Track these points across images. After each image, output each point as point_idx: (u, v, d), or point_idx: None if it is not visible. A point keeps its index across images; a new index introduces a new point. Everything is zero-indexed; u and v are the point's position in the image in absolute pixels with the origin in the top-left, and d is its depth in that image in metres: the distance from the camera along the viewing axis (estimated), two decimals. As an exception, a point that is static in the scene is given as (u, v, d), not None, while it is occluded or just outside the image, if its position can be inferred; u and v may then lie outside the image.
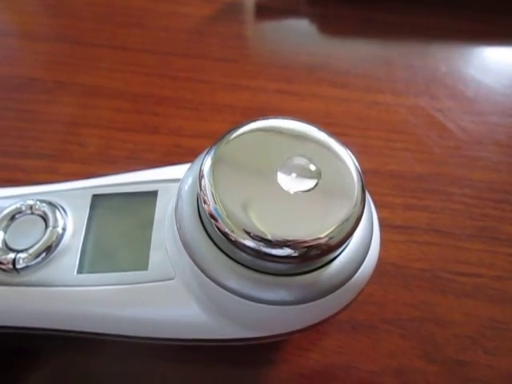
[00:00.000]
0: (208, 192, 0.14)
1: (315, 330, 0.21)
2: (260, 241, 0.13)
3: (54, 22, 0.33)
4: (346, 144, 0.15)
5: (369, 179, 0.26)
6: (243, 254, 0.13)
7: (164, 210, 0.18)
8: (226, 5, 0.34)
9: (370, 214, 0.16)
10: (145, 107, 0.28)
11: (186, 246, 0.15)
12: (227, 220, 0.13)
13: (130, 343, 0.19)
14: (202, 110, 0.28)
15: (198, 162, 0.16)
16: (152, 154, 0.26)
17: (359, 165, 0.15)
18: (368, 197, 0.17)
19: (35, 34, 0.32)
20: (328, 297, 0.15)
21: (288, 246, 0.13)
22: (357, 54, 0.32)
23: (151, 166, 0.20)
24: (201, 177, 0.14)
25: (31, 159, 0.26)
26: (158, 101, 0.29)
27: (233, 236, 0.13)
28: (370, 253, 0.16)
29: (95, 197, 0.19)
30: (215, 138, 0.15)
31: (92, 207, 0.18)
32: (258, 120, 0.15)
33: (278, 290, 0.14)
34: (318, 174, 0.14)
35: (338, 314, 0.17)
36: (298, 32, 0.34)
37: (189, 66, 0.31)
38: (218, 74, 0.30)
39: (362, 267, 0.15)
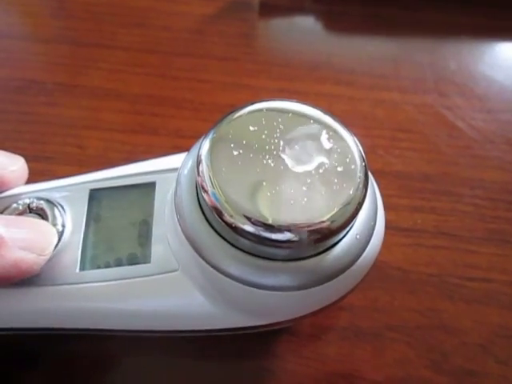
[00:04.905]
0: (206, 177, 0.13)
1: (317, 337, 0.21)
2: (260, 226, 0.12)
3: (55, 23, 0.33)
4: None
5: (375, 180, 0.25)
6: (244, 241, 0.13)
7: (163, 200, 0.17)
8: (228, 3, 0.33)
9: (374, 197, 0.16)
10: (144, 108, 0.28)
11: (187, 235, 0.15)
12: (226, 205, 0.13)
13: (131, 339, 0.19)
14: (202, 110, 0.28)
15: (197, 146, 0.16)
16: (151, 156, 0.26)
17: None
18: (372, 181, 0.16)
19: (35, 36, 0.32)
20: (332, 281, 0.14)
21: (289, 231, 0.12)
22: (362, 51, 0.31)
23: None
24: (199, 161, 0.14)
25: (29, 162, 0.25)
26: (158, 101, 0.28)
27: (232, 222, 0.13)
28: (374, 237, 0.15)
29: (93, 191, 0.18)
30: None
31: (90, 202, 0.18)
32: (259, 101, 0.15)
33: (281, 276, 0.14)
34: (320, 157, 0.14)
35: (342, 299, 0.16)
36: (303, 29, 0.33)
37: (190, 65, 0.30)
38: (220, 74, 0.30)
39: (366, 251, 0.15)
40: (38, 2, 0.34)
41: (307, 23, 0.33)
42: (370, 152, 0.26)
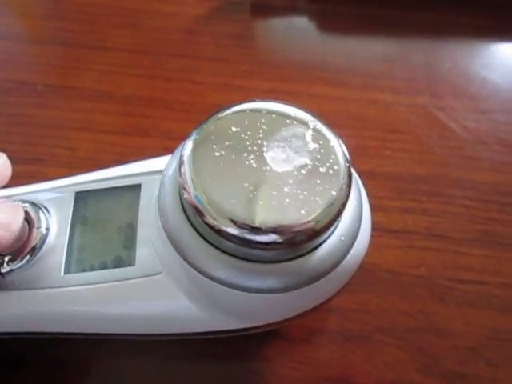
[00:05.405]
0: (188, 179, 0.13)
1: (307, 340, 0.21)
2: (244, 228, 0.12)
3: (47, 24, 0.33)
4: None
5: (364, 181, 0.25)
6: (228, 243, 0.13)
7: (148, 203, 0.17)
8: (220, 3, 0.33)
9: (360, 199, 0.16)
10: (136, 110, 0.28)
11: (170, 238, 0.15)
12: (209, 208, 0.13)
13: (117, 342, 0.19)
14: (193, 111, 0.28)
15: (181, 147, 0.15)
16: (141, 158, 0.26)
17: (351, 161, 0.14)
18: (359, 183, 0.16)
19: (27, 37, 0.32)
20: (317, 283, 0.14)
21: (273, 232, 0.12)
22: (356, 51, 0.31)
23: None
24: (181, 163, 0.13)
25: (19, 164, 0.25)
26: (149, 103, 0.28)
27: (216, 224, 0.13)
28: (359, 238, 0.15)
29: (78, 194, 0.18)
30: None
31: (76, 204, 0.18)
32: (242, 102, 0.15)
33: (266, 278, 0.14)
34: (303, 158, 0.13)
35: (329, 301, 0.16)
36: (296, 30, 0.33)
37: (181, 66, 0.30)
38: (211, 75, 0.29)
39: (350, 252, 0.15)
40: (31, 3, 0.34)
41: (300, 23, 0.33)
42: (360, 153, 0.26)
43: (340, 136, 0.14)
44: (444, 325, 0.21)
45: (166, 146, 0.26)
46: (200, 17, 0.33)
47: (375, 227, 0.23)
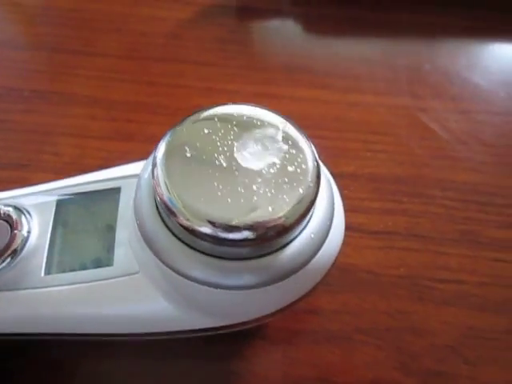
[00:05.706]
0: (161, 181, 0.13)
1: (287, 341, 0.21)
2: (217, 227, 0.13)
3: (32, 29, 0.33)
4: (314, 141, 0.15)
5: (346, 183, 0.25)
6: (202, 242, 0.13)
7: (127, 205, 0.18)
8: (205, 7, 0.33)
9: (332, 199, 0.16)
10: (120, 114, 0.28)
11: (145, 238, 0.15)
12: (182, 209, 0.13)
13: (108, 343, 0.19)
14: (178, 115, 0.28)
15: (155, 150, 0.16)
16: (125, 162, 0.26)
17: (319, 156, 0.15)
18: (332, 183, 0.17)
19: (13, 43, 0.32)
20: (289, 278, 0.15)
21: (245, 229, 0.13)
22: (339, 53, 0.32)
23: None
24: (154, 165, 0.14)
25: (4, 170, 0.26)
26: (135, 107, 0.28)
27: (189, 225, 0.13)
28: (330, 236, 0.16)
29: (60, 198, 0.19)
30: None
31: (57, 208, 0.18)
32: (215, 106, 0.15)
33: (240, 275, 0.14)
34: (272, 158, 0.14)
35: (304, 298, 0.16)
36: (279, 33, 0.33)
37: (166, 70, 0.30)
38: (196, 79, 0.30)
39: (321, 250, 0.15)
40: (17, 9, 0.34)
41: (284, 26, 0.33)
42: (343, 155, 0.26)
43: (311, 137, 0.15)
44: (423, 324, 0.21)
45: (151, 151, 0.26)
46: (184, 21, 0.33)
47: (356, 229, 0.24)
